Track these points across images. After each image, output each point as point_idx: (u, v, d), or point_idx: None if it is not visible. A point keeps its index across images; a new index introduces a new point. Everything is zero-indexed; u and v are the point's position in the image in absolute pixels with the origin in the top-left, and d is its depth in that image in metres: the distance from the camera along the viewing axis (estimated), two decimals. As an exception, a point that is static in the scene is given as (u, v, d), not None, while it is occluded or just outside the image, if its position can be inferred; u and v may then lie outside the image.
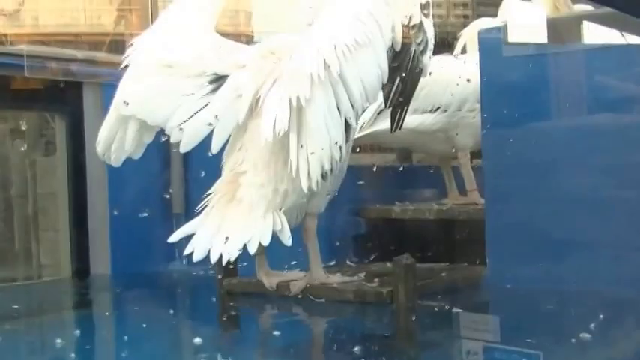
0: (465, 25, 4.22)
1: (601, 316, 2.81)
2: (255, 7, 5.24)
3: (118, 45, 7.41)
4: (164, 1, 6.85)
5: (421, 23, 3.03)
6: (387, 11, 2.97)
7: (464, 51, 4.03)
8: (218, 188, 3.06)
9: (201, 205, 3.02)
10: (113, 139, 3.16)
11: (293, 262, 3.51)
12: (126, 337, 3.08)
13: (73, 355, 2.80)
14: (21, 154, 4.48)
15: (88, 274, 4.20)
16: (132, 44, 3.25)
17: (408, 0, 3.01)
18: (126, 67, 3.16)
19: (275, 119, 2.79)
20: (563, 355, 2.53)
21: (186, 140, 3.05)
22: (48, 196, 4.39)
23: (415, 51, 3.03)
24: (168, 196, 4.30)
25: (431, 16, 3.09)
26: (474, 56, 3.73)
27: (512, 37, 3.45)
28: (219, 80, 3.06)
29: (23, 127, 4.50)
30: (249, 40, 5.45)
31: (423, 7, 3.05)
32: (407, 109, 3.15)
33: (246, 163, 3.02)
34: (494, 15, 3.94)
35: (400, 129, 3.22)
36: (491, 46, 3.44)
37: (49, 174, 4.38)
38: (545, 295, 3.20)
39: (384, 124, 3.45)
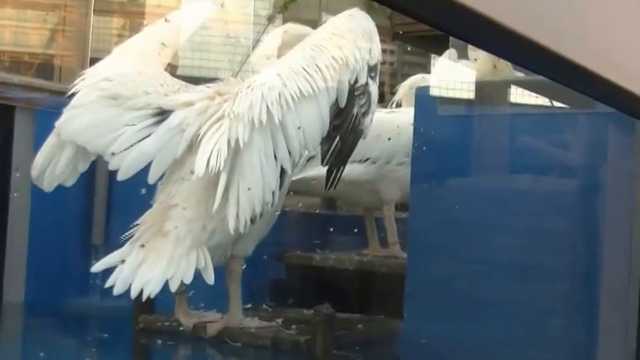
0: (391, 73, 4.27)
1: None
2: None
3: (47, 66, 7.33)
4: (98, 27, 6.84)
5: (367, 85, 3.07)
6: (335, 69, 3.01)
7: (398, 104, 4.06)
8: (146, 219, 3.04)
9: (126, 234, 3.00)
10: (49, 164, 3.16)
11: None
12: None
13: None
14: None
15: (1, 301, 4.11)
16: (82, 73, 3.27)
17: (357, 61, 3.05)
18: (72, 94, 3.16)
19: (210, 157, 2.80)
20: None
21: (124, 168, 3.05)
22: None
23: (357, 112, 3.07)
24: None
25: (377, 80, 3.14)
26: (407, 111, 3.75)
27: (438, 92, 3.50)
28: (163, 114, 3.07)
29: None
30: (172, 70, 5.44)
31: (371, 69, 3.09)
32: (343, 168, 3.17)
33: (178, 196, 3.02)
34: (419, 62, 3.99)
35: (335, 188, 3.24)
36: (427, 103, 3.48)
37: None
38: (458, 354, 3.21)
39: (313, 171, 3.45)
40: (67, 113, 3.16)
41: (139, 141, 3.04)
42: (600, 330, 3.10)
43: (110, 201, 4.22)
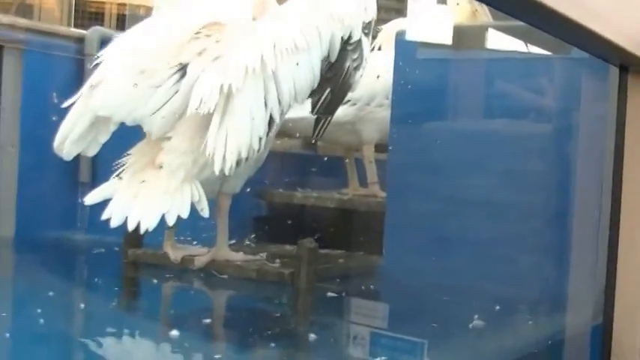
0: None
1: (486, 312, 2.95)
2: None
3: (27, 6, 7.33)
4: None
5: (360, 41, 3.18)
6: (329, 24, 3.11)
7: (379, 48, 4.15)
8: (137, 150, 3.11)
9: (116, 162, 3.07)
10: (69, 133, 3.11)
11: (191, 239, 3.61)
12: (19, 300, 3.12)
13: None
14: None
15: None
16: (113, 40, 3.27)
17: (351, 17, 3.15)
18: (97, 64, 3.15)
19: (204, 97, 2.88)
20: (446, 345, 2.66)
21: (158, 128, 3.08)
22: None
23: (349, 66, 3.18)
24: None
25: (370, 36, 3.25)
26: (388, 54, 3.83)
27: (413, 36, 3.58)
28: (184, 69, 3.08)
29: None
30: (148, 12, 5.46)
31: (365, 26, 3.20)
32: (331, 118, 3.28)
33: (172, 130, 3.07)
34: (395, 6, 4.04)
35: (320, 137, 3.36)
36: (407, 46, 3.57)
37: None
38: (435, 289, 3.30)
39: (296, 111, 3.53)
40: (97, 89, 3.10)
41: (168, 100, 3.06)
42: (571, 267, 3.23)
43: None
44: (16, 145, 4.18)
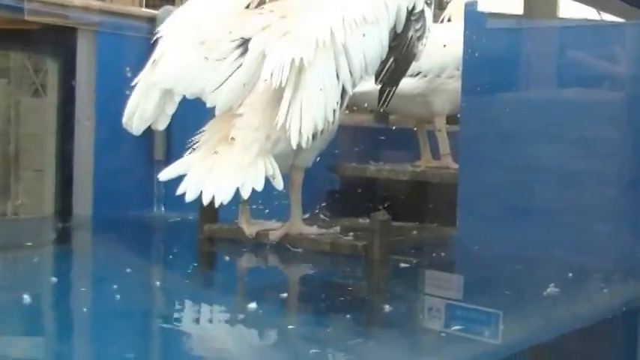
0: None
1: (559, 280, 2.94)
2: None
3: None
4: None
5: (423, 11, 3.21)
6: None
7: (448, 19, 4.15)
8: (210, 126, 3.14)
9: (191, 140, 3.11)
10: (137, 108, 3.16)
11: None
12: (98, 277, 3.19)
13: (42, 289, 2.87)
14: (5, 93, 4.54)
15: (71, 214, 4.29)
16: (171, 15, 3.34)
17: None
18: (157, 39, 3.21)
19: (275, 71, 2.89)
20: (522, 315, 2.64)
21: (222, 103, 3.10)
22: (32, 137, 4.46)
23: (412, 36, 3.20)
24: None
25: (433, 6, 3.27)
26: (457, 25, 3.82)
27: (483, 5, 3.56)
28: (245, 44, 3.11)
29: (9, 67, 4.57)
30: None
31: None
32: (396, 88, 3.30)
33: (244, 106, 3.09)
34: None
35: (387, 107, 3.38)
36: (476, 17, 3.56)
37: (35, 115, 4.44)
38: (509, 259, 3.31)
39: (365, 85, 3.54)
40: (160, 62, 3.16)
41: (230, 75, 3.09)
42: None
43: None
44: (92, 119, 4.26)
